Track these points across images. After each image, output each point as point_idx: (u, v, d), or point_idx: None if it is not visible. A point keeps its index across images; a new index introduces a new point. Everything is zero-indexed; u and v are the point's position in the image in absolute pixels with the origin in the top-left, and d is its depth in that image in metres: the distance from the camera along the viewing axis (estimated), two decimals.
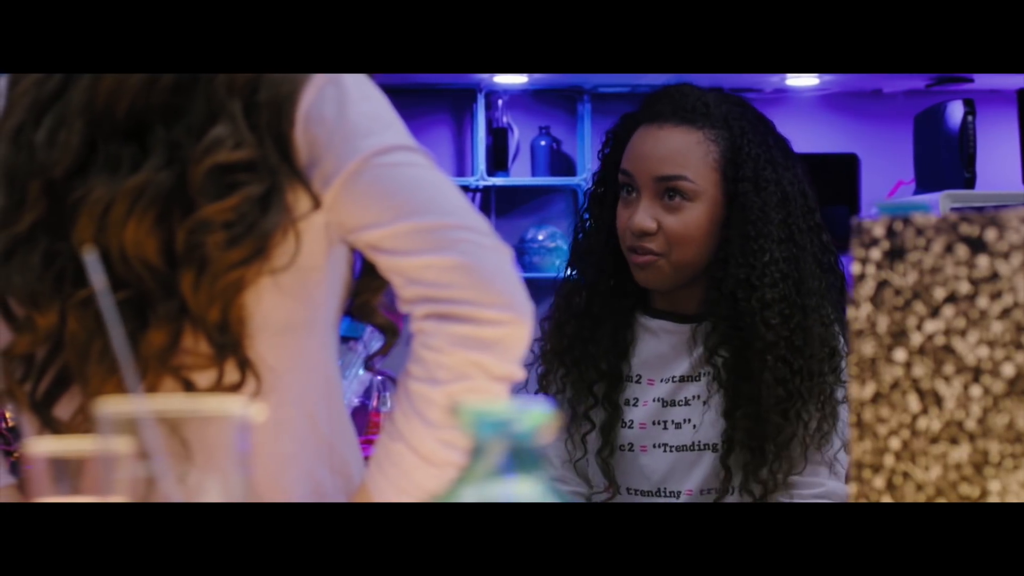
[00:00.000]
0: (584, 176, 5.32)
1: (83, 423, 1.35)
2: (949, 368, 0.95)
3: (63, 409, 1.38)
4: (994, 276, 0.93)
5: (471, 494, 0.79)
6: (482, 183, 5.36)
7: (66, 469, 0.91)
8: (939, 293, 0.95)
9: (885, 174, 5.39)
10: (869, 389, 0.97)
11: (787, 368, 1.98)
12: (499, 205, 5.49)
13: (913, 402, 0.96)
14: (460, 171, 5.48)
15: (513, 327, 1.34)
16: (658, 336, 2.10)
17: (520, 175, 5.49)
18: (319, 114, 1.35)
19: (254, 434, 0.92)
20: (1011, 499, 0.93)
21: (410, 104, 5.10)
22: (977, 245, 0.94)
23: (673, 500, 2.06)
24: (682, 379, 2.07)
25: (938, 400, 0.95)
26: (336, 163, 1.35)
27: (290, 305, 1.38)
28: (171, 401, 0.98)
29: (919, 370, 0.96)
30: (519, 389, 1.39)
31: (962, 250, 0.94)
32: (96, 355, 1.33)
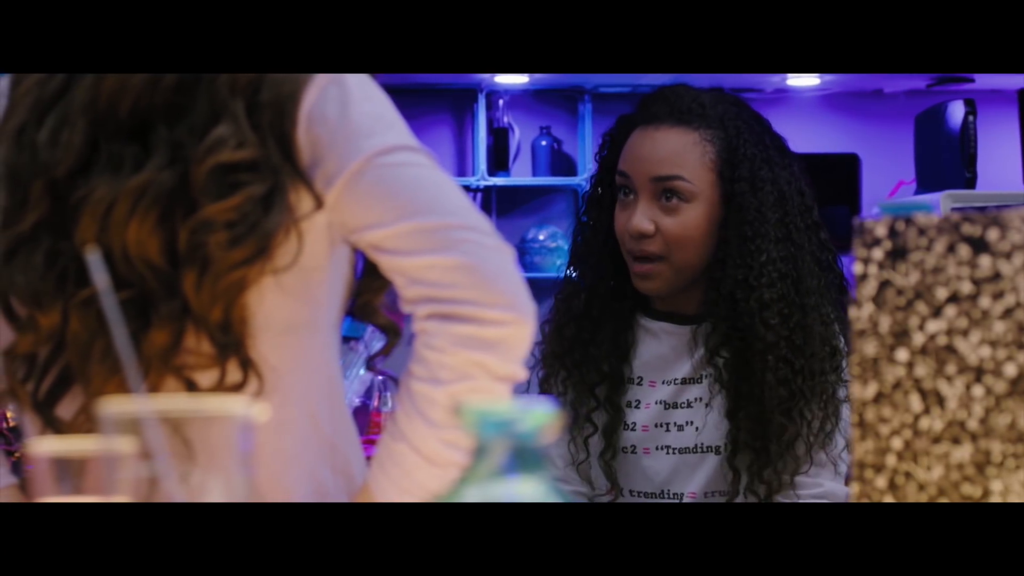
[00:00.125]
0: (585, 176, 5.32)
1: (85, 423, 1.35)
2: (951, 368, 0.95)
3: (65, 409, 1.38)
4: (996, 276, 0.93)
5: (474, 494, 0.79)
6: (483, 183, 5.36)
7: (68, 469, 0.91)
8: (941, 293, 0.95)
9: (886, 174, 5.40)
10: (871, 389, 0.97)
11: (788, 368, 1.98)
12: (500, 205, 5.49)
13: (915, 402, 0.96)
14: (461, 171, 5.48)
15: (515, 327, 1.34)
16: (659, 338, 2.10)
17: (521, 175, 5.49)
18: (321, 114, 1.35)
19: (256, 434, 0.92)
20: (1013, 499, 0.93)
21: (411, 104, 5.10)
22: (979, 245, 0.94)
23: (676, 503, 2.06)
24: (684, 381, 2.07)
25: (940, 400, 0.95)
26: (338, 163, 1.35)
27: (292, 305, 1.38)
28: (173, 401, 0.98)
29: (921, 370, 0.96)
30: (520, 392, 1.39)
31: (964, 250, 0.94)
32: (98, 355, 1.33)
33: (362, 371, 3.28)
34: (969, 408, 0.94)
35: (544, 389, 2.13)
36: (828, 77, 5.31)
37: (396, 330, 1.48)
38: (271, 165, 1.33)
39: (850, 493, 2.01)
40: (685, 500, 2.05)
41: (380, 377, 3.48)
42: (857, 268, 0.98)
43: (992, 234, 0.94)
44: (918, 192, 4.93)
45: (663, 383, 2.08)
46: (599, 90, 5.44)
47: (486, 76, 5.22)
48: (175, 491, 0.91)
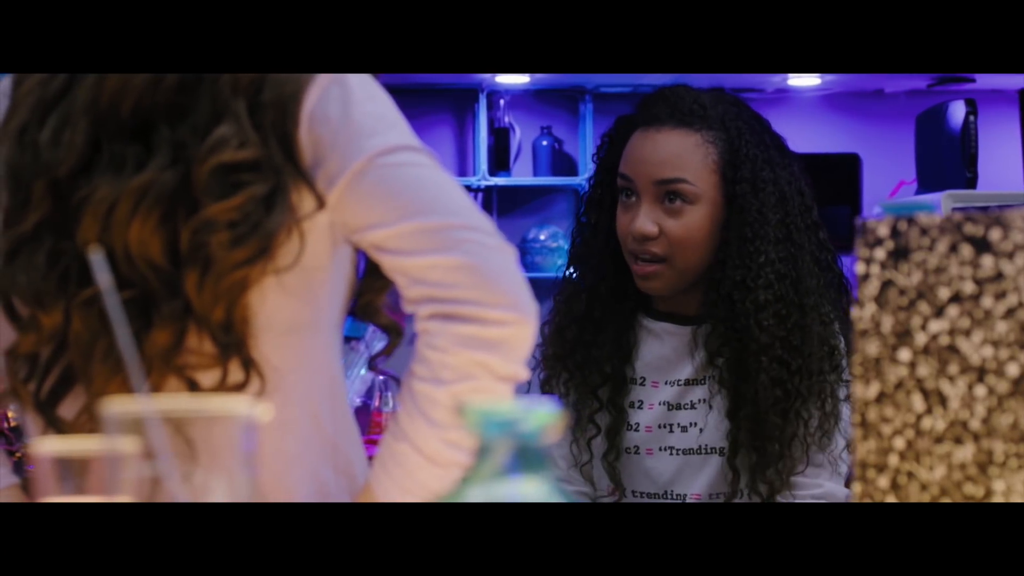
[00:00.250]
0: (586, 176, 5.31)
1: (87, 423, 1.35)
2: (953, 368, 0.95)
3: (67, 409, 1.38)
4: (998, 276, 0.93)
5: (477, 494, 0.79)
6: (484, 183, 5.36)
7: (71, 469, 0.91)
8: (943, 293, 0.95)
9: (887, 174, 5.40)
10: (873, 389, 0.97)
11: (784, 368, 1.98)
12: (501, 205, 5.49)
13: (917, 402, 0.96)
14: (462, 171, 5.48)
15: (518, 327, 1.34)
16: (661, 338, 2.10)
17: (522, 175, 5.49)
18: (323, 114, 1.35)
19: (258, 434, 0.92)
20: (1015, 499, 0.93)
21: (412, 104, 5.10)
22: (981, 245, 0.94)
23: (679, 503, 2.06)
24: (687, 382, 2.07)
25: (942, 400, 0.95)
26: (340, 163, 1.35)
27: (294, 305, 1.38)
28: (176, 401, 0.98)
29: (923, 370, 0.96)
30: (521, 393, 1.39)
31: (966, 250, 0.94)
32: (100, 354, 1.33)
33: (363, 371, 3.28)
34: (971, 408, 0.94)
35: (545, 391, 2.13)
36: (829, 77, 5.31)
37: (398, 330, 1.48)
38: (273, 165, 1.33)
39: (850, 494, 2.02)
40: (689, 501, 2.05)
41: (381, 377, 3.48)
42: (859, 268, 0.98)
43: (994, 234, 0.94)
44: (919, 192, 4.93)
45: (666, 383, 2.08)
46: (600, 90, 5.44)
47: (487, 76, 5.22)
48: (178, 491, 0.91)
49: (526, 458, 0.79)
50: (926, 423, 0.96)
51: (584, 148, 5.45)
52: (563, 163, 5.51)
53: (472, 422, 0.79)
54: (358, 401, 3.46)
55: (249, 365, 1.35)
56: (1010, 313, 0.93)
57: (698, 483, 2.05)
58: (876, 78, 5.38)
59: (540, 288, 1.46)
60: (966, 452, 0.94)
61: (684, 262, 2.03)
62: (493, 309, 1.33)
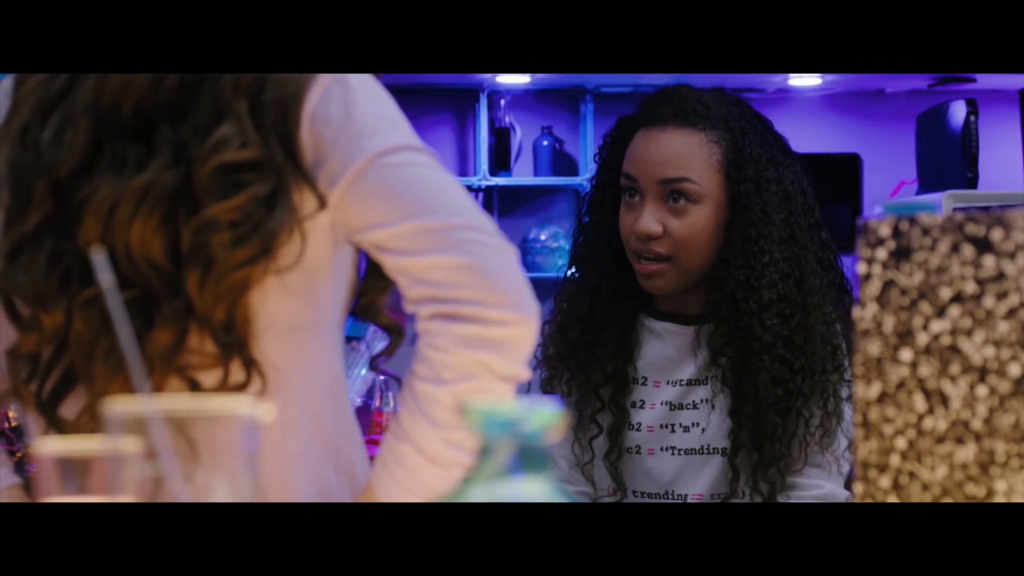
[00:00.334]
0: (587, 176, 5.31)
1: (89, 422, 1.35)
2: (955, 368, 0.95)
3: (69, 408, 1.38)
4: (1000, 276, 0.93)
5: (479, 494, 0.79)
6: (484, 183, 5.36)
7: (72, 469, 0.91)
8: (945, 293, 0.95)
9: (887, 174, 5.39)
10: (875, 389, 0.97)
11: (786, 368, 1.99)
12: (501, 205, 5.49)
13: (919, 402, 0.96)
14: (463, 171, 5.48)
15: (519, 327, 1.34)
16: (663, 338, 2.10)
17: (522, 175, 5.49)
18: (325, 114, 1.35)
19: (260, 434, 0.92)
20: (1017, 499, 0.93)
21: (413, 104, 5.09)
22: (983, 245, 0.94)
23: (680, 503, 2.06)
24: (690, 382, 2.07)
25: (944, 400, 0.95)
26: (342, 163, 1.35)
27: (296, 305, 1.38)
28: (178, 401, 0.98)
29: (925, 370, 0.96)
30: (521, 393, 1.39)
31: (968, 250, 0.94)
32: (102, 354, 1.33)
33: (364, 371, 3.28)
34: (973, 408, 0.94)
35: (546, 390, 2.13)
36: (830, 77, 5.30)
37: (399, 330, 1.48)
38: (274, 165, 1.33)
39: (850, 496, 2.02)
40: (690, 501, 2.05)
41: (382, 377, 3.48)
42: (861, 268, 0.98)
43: (996, 234, 0.94)
44: (919, 192, 4.93)
45: (668, 383, 2.08)
46: (601, 90, 5.44)
47: (488, 76, 5.22)
48: (180, 491, 0.91)
49: (528, 458, 0.79)
50: (928, 423, 0.96)
51: (585, 148, 5.45)
52: (564, 163, 5.51)
53: (474, 422, 0.79)
54: (359, 401, 3.46)
55: (250, 365, 1.35)
56: (1012, 313, 0.93)
57: (699, 483, 2.05)
58: (877, 78, 5.38)
59: (541, 288, 1.46)
60: (968, 452, 0.94)
61: (688, 261, 2.03)
62: (495, 309, 1.33)
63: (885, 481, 0.97)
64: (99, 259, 1.09)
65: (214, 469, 0.91)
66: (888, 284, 0.97)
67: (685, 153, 2.03)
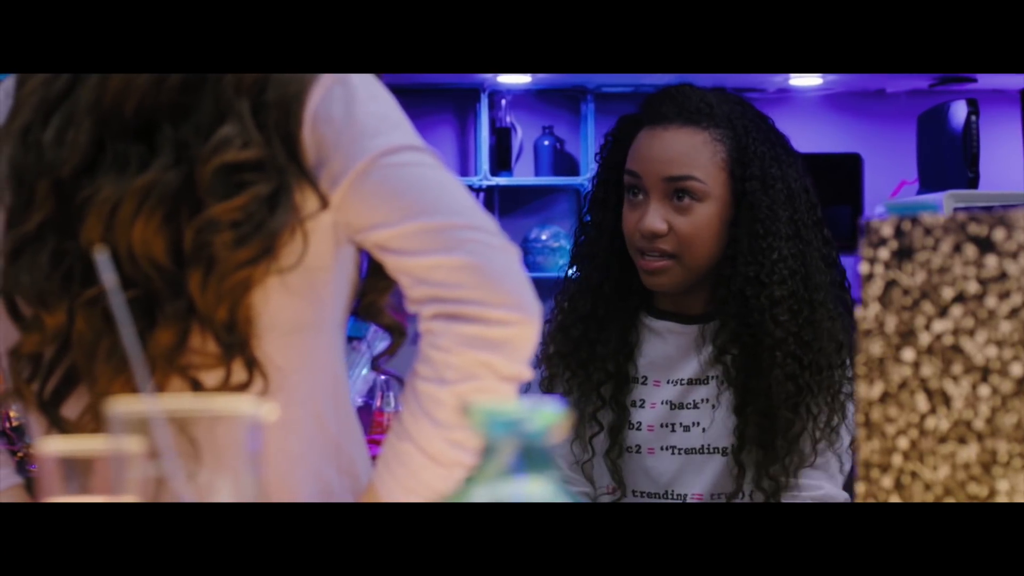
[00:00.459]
0: (588, 176, 5.31)
1: (91, 422, 1.36)
2: (957, 368, 0.95)
3: (71, 408, 1.38)
4: (1002, 276, 0.93)
5: (482, 493, 0.79)
6: (485, 183, 5.36)
7: (75, 469, 0.91)
8: (947, 293, 0.95)
9: (888, 174, 5.39)
10: (877, 389, 0.97)
11: (796, 363, 1.99)
12: (502, 205, 5.49)
13: (921, 402, 0.96)
14: (463, 171, 5.48)
15: (521, 327, 1.34)
16: (664, 338, 2.10)
17: (523, 175, 5.49)
18: (327, 114, 1.35)
19: (262, 434, 0.92)
20: (1019, 499, 0.93)
21: (413, 104, 5.07)
22: (985, 245, 0.94)
23: (680, 503, 2.06)
24: (691, 382, 2.07)
25: (946, 400, 0.95)
26: (344, 163, 1.35)
27: (298, 305, 1.38)
28: (181, 400, 0.98)
29: (927, 370, 0.96)
30: (521, 392, 1.39)
31: (970, 250, 0.94)
32: (103, 354, 1.33)
33: (365, 371, 3.28)
34: (975, 408, 0.94)
35: (546, 389, 2.13)
36: (831, 77, 5.30)
37: (401, 330, 1.48)
38: (276, 165, 1.33)
39: (848, 499, 2.02)
40: (690, 501, 2.05)
41: (383, 377, 3.48)
42: (863, 268, 0.98)
43: (998, 234, 0.94)
44: (920, 192, 4.93)
45: (668, 383, 2.08)
46: (602, 90, 5.44)
47: (488, 76, 5.22)
48: (182, 491, 0.91)
49: (531, 458, 0.79)
50: (930, 423, 0.96)
51: (586, 148, 5.44)
52: (565, 163, 5.51)
53: (477, 422, 0.79)
54: (360, 401, 3.46)
55: (252, 365, 1.35)
56: (1014, 313, 0.93)
57: (700, 483, 2.05)
58: (878, 78, 5.38)
59: (542, 288, 1.46)
60: (970, 452, 0.94)
61: (692, 259, 2.04)
62: (497, 309, 1.33)
63: (887, 481, 0.97)
64: (102, 259, 1.09)
65: (216, 469, 0.91)
66: (890, 284, 0.97)
67: (689, 151, 2.03)
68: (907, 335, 0.96)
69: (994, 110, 5.27)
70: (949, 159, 4.76)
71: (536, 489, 0.79)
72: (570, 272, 2.18)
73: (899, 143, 5.35)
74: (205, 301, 1.32)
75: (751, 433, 2.02)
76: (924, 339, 0.96)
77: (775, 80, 5.35)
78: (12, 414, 2.61)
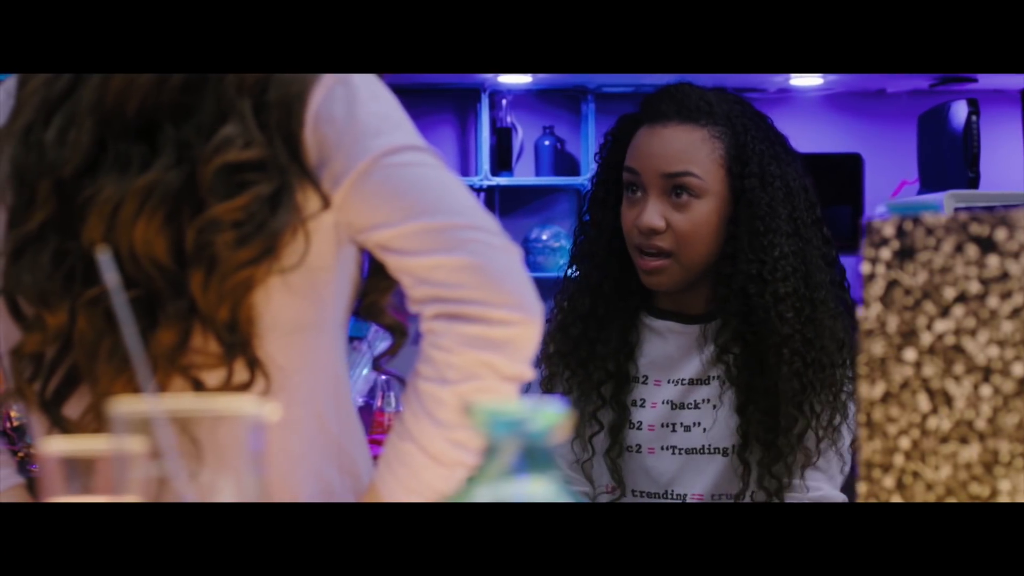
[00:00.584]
0: (588, 176, 5.31)
1: (92, 422, 1.36)
2: (959, 368, 0.95)
3: (72, 408, 1.38)
4: (1004, 276, 0.93)
5: (484, 494, 0.79)
6: (486, 183, 5.36)
7: (77, 468, 0.91)
8: (949, 293, 0.95)
9: (889, 174, 5.39)
10: (879, 388, 0.97)
11: (801, 361, 1.99)
12: (503, 205, 5.49)
13: (923, 402, 0.96)
14: (464, 171, 5.48)
15: (523, 327, 1.34)
16: (664, 337, 2.10)
17: (524, 175, 5.49)
18: (329, 114, 1.35)
19: (264, 434, 0.93)
20: (1021, 499, 0.93)
21: (414, 104, 5.07)
22: (987, 245, 0.94)
23: (679, 503, 2.06)
24: (692, 382, 2.07)
25: (948, 400, 0.95)
26: (346, 163, 1.35)
27: (299, 305, 1.38)
28: (183, 400, 0.98)
29: (929, 370, 0.96)
30: (521, 392, 1.39)
31: (972, 250, 0.95)
32: (105, 354, 1.33)
33: (366, 371, 3.29)
34: (977, 408, 0.94)
35: (546, 389, 2.13)
36: (831, 77, 5.30)
37: (402, 330, 1.48)
38: (278, 165, 1.33)
39: (845, 500, 2.02)
40: (689, 501, 2.05)
41: (384, 377, 3.48)
42: (865, 268, 0.98)
43: (1000, 234, 0.94)
44: (921, 192, 4.93)
45: (669, 382, 2.08)
46: (602, 90, 5.44)
47: (489, 76, 5.22)
48: (185, 491, 0.91)
49: (533, 458, 0.79)
50: (932, 423, 0.96)
51: (586, 148, 5.45)
52: (565, 163, 5.51)
53: (480, 422, 0.79)
54: (360, 401, 3.46)
55: (254, 365, 1.35)
56: (1016, 313, 0.93)
57: (700, 483, 2.05)
58: (878, 78, 5.38)
59: (543, 288, 1.46)
60: (971, 452, 0.94)
61: (690, 257, 2.04)
62: (498, 309, 1.33)
63: (889, 481, 0.97)
64: (104, 258, 1.09)
65: (218, 469, 0.92)
66: (892, 284, 0.97)
67: (688, 148, 2.03)
68: (909, 335, 0.96)
69: (995, 110, 5.27)
70: (950, 159, 4.76)
71: (538, 489, 0.79)
72: (570, 271, 2.18)
73: (900, 143, 5.35)
74: (207, 301, 1.32)
75: (754, 432, 2.02)
76: (926, 339, 0.96)
77: (776, 80, 5.35)
78: (13, 414, 2.62)
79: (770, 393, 2.00)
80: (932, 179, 4.83)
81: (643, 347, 2.11)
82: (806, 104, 5.58)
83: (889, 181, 5.38)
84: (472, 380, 1.34)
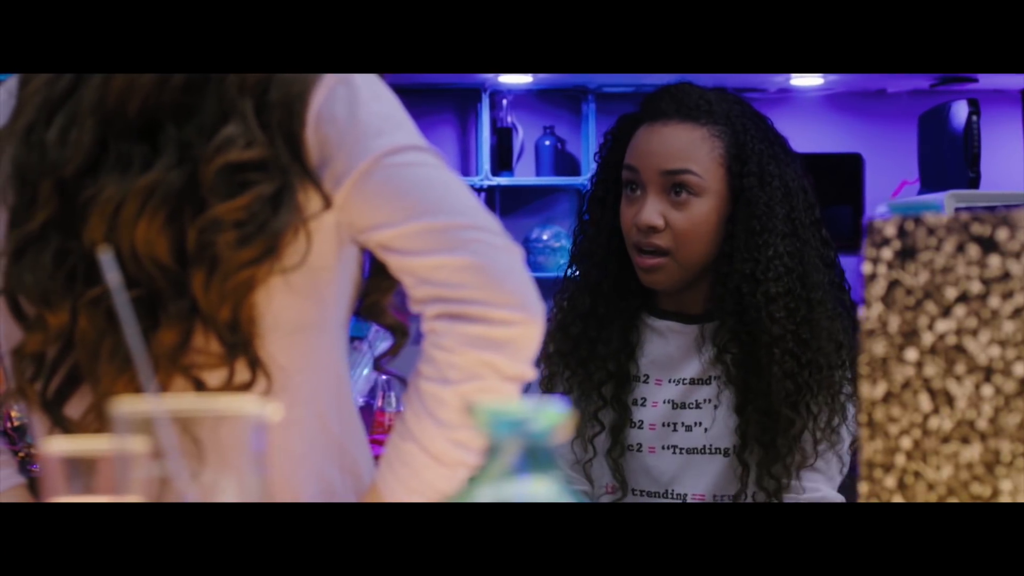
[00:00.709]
0: (588, 176, 5.31)
1: (94, 422, 1.36)
2: (960, 368, 0.95)
3: (74, 408, 1.38)
4: (1005, 276, 0.93)
5: (486, 494, 0.79)
6: (486, 183, 5.36)
7: (78, 468, 0.91)
8: (950, 293, 0.95)
9: (889, 174, 5.39)
10: (880, 388, 0.97)
11: (795, 361, 1.99)
12: (503, 205, 5.49)
13: (924, 402, 0.96)
14: (464, 171, 5.48)
15: (524, 327, 1.34)
16: (665, 337, 2.10)
17: (524, 175, 5.49)
18: (330, 114, 1.35)
19: (266, 434, 0.93)
20: (1022, 499, 0.93)
21: (415, 104, 5.06)
22: (988, 245, 0.94)
23: (680, 503, 2.06)
24: (692, 382, 2.07)
25: (949, 400, 0.95)
26: (347, 163, 1.35)
27: (301, 305, 1.38)
28: (185, 400, 0.98)
29: (930, 370, 0.96)
30: (523, 392, 1.39)
31: (973, 250, 0.95)
32: (107, 354, 1.33)
33: (366, 370, 3.29)
34: (978, 408, 0.94)
35: (546, 388, 2.13)
36: (832, 77, 5.30)
37: (404, 330, 1.48)
38: (280, 165, 1.33)
39: (843, 500, 2.02)
40: (690, 501, 2.05)
41: (384, 377, 3.48)
42: (866, 268, 0.98)
43: (1002, 234, 0.94)
44: (921, 192, 4.93)
45: (670, 382, 2.08)
46: (603, 90, 5.44)
47: (490, 76, 5.22)
48: (186, 491, 0.91)
49: (535, 458, 0.79)
50: (933, 423, 0.96)
51: (587, 148, 5.45)
52: (566, 163, 5.51)
53: (482, 422, 0.79)
54: (361, 401, 3.46)
55: (255, 365, 1.36)
56: (1017, 313, 0.93)
57: (701, 483, 2.05)
58: (879, 78, 5.38)
59: (543, 288, 1.47)
60: (973, 452, 0.94)
61: (688, 256, 2.04)
62: (500, 309, 1.33)
63: (890, 481, 0.97)
64: (105, 258, 1.09)
65: (220, 469, 0.92)
66: (893, 284, 0.97)
67: (688, 146, 2.03)
68: (910, 335, 0.96)
69: (995, 110, 5.27)
70: (950, 159, 4.76)
71: (540, 489, 0.79)
72: (569, 271, 2.18)
73: (900, 143, 5.35)
74: (208, 301, 1.32)
75: (752, 432, 2.02)
76: (927, 339, 0.96)
77: (776, 80, 5.35)
78: (14, 414, 2.62)
79: (766, 393, 2.00)
80: (932, 179, 4.84)
81: (644, 347, 2.11)
82: (806, 104, 5.58)
83: (890, 181, 5.38)
84: (474, 380, 1.34)
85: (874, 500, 0.98)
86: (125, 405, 0.92)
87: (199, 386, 1.35)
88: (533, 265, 5.21)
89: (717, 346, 2.05)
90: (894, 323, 0.97)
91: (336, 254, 1.40)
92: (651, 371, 2.10)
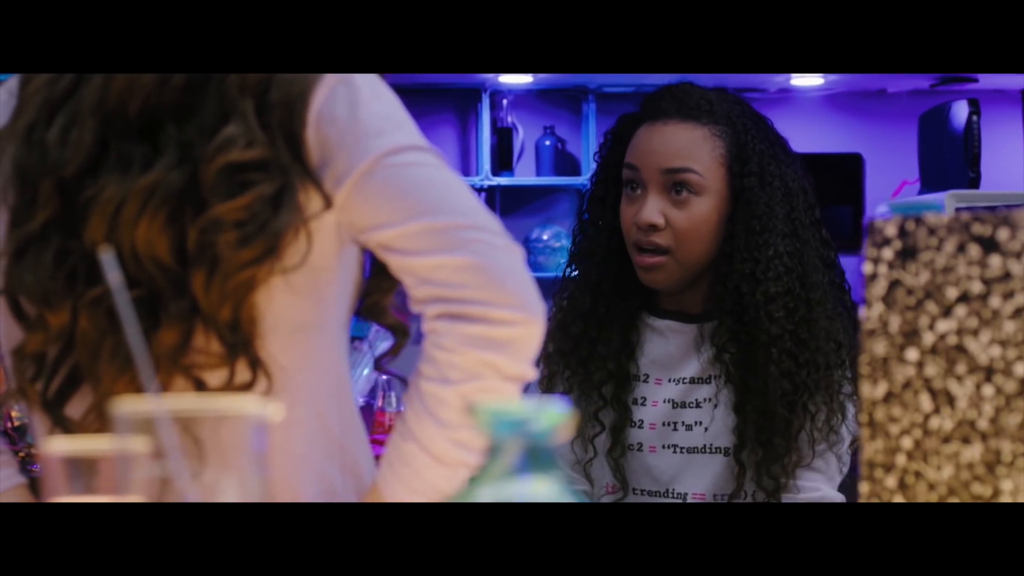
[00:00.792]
0: (589, 176, 5.30)
1: (94, 422, 1.36)
2: (961, 368, 0.95)
3: (74, 408, 1.38)
4: (1006, 276, 0.93)
5: (487, 493, 0.79)
6: (487, 183, 5.36)
7: (79, 468, 0.91)
8: (951, 293, 0.95)
9: (889, 174, 5.39)
10: (881, 388, 0.97)
11: (793, 361, 1.99)
12: (504, 205, 5.49)
13: (925, 401, 0.96)
14: (465, 171, 5.48)
15: (525, 327, 1.35)
16: (665, 336, 2.10)
17: (525, 175, 5.49)
18: (331, 114, 1.35)
19: (267, 433, 0.93)
20: (1023, 499, 0.93)
21: (415, 104, 5.06)
22: (989, 245, 0.94)
23: (680, 502, 2.06)
24: (693, 381, 2.07)
25: (950, 400, 0.95)
26: (348, 163, 1.35)
27: (301, 305, 1.38)
28: (186, 400, 0.98)
29: (931, 370, 0.96)
30: (523, 391, 1.39)
31: (974, 250, 0.95)
32: (107, 354, 1.33)
33: (367, 370, 3.29)
34: (979, 408, 0.94)
35: (546, 388, 2.13)
36: (832, 77, 5.30)
37: (404, 330, 1.48)
38: (280, 165, 1.33)
39: (843, 500, 2.02)
40: (690, 500, 2.05)
41: (385, 377, 3.48)
42: (867, 268, 0.98)
43: (1002, 234, 0.94)
44: (921, 192, 4.93)
45: (670, 381, 2.08)
46: (603, 90, 5.44)
47: (490, 76, 5.22)
48: (187, 490, 0.91)
49: (536, 458, 0.79)
50: (934, 423, 0.96)
51: (587, 148, 5.45)
52: (566, 163, 5.51)
53: (483, 422, 0.79)
54: (361, 401, 3.46)
55: (256, 365, 1.36)
56: (1018, 313, 0.93)
57: (701, 482, 2.05)
58: (879, 78, 5.38)
59: (543, 287, 1.47)
60: (974, 452, 0.94)
61: (687, 255, 2.04)
62: (500, 309, 1.33)
63: (891, 481, 0.97)
64: (106, 258, 1.09)
65: (221, 469, 0.92)
66: (894, 284, 0.97)
67: (688, 145, 2.03)
68: (911, 335, 0.96)
69: (995, 110, 5.27)
70: (950, 159, 4.76)
71: (541, 489, 0.79)
72: (569, 271, 2.18)
73: (900, 143, 5.35)
74: (209, 301, 1.32)
75: (751, 432, 2.02)
76: (928, 339, 0.96)
77: (776, 80, 5.35)
78: (15, 414, 2.62)
79: (764, 393, 2.00)
80: (933, 179, 4.84)
81: (644, 346, 2.11)
82: (806, 104, 5.58)
83: (890, 181, 5.38)
84: (474, 380, 1.34)
85: (875, 500, 0.98)
86: (126, 405, 0.92)
87: (200, 386, 1.35)
88: (533, 265, 5.21)
89: (716, 345, 2.05)
90: (895, 323, 0.97)
91: (337, 254, 1.40)
92: (651, 370, 2.10)
